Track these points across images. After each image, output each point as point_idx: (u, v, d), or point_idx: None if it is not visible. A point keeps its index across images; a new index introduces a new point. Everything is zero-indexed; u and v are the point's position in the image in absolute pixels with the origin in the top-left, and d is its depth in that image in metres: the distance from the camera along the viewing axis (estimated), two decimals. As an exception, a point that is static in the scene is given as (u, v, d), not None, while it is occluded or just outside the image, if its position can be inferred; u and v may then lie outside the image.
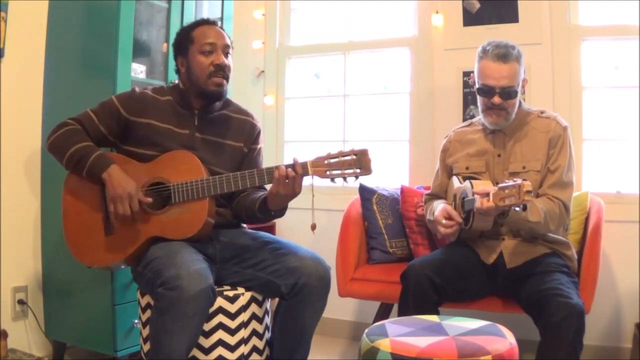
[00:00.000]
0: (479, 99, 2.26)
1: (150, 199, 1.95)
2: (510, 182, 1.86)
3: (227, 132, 2.13)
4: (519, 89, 2.20)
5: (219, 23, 2.14)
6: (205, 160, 2.02)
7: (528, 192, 1.80)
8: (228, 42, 2.08)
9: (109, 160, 1.97)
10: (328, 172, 1.86)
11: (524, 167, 2.21)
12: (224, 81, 2.06)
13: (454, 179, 2.33)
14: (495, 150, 2.28)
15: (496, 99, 2.17)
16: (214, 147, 2.10)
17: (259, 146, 2.22)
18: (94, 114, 2.05)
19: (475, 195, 2.04)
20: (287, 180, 1.86)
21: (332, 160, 1.86)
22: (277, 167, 1.88)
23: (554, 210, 2.13)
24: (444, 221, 2.18)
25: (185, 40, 2.06)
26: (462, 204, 2.19)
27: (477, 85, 2.23)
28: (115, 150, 2.11)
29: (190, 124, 2.08)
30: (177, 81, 2.16)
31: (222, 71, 2.04)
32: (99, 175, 1.94)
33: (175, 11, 2.67)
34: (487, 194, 1.96)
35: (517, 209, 1.88)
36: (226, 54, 2.07)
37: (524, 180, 1.83)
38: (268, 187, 1.97)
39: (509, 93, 2.16)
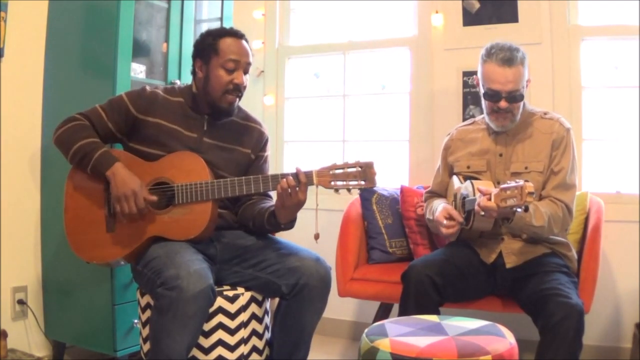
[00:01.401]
0: (484, 102, 2.25)
1: (155, 197, 1.95)
2: (513, 183, 1.86)
3: (236, 138, 2.13)
4: (524, 91, 2.20)
5: (245, 36, 2.09)
6: (211, 164, 2.02)
7: (530, 193, 1.80)
8: (250, 59, 2.07)
9: (113, 158, 1.96)
10: (332, 183, 1.87)
11: (526, 168, 2.21)
12: (237, 99, 2.07)
13: (454, 178, 2.33)
14: (497, 150, 2.28)
15: (502, 104, 2.15)
16: (221, 152, 2.09)
17: (266, 154, 2.22)
18: (102, 110, 2.04)
19: (477, 195, 2.04)
20: (289, 191, 1.86)
21: (337, 172, 1.87)
22: (281, 177, 1.88)
23: (557, 213, 2.13)
24: (445, 222, 2.18)
25: (209, 49, 2.02)
26: (463, 204, 2.19)
27: (482, 90, 2.22)
28: (122, 146, 2.11)
29: (199, 128, 2.08)
30: (179, 82, 2.15)
31: (239, 91, 2.05)
32: (103, 173, 1.94)
33: (175, 11, 2.66)
34: (489, 194, 1.96)
35: (519, 210, 1.88)
36: (246, 71, 2.06)
37: (526, 181, 1.83)
38: (273, 194, 1.96)
39: (514, 97, 2.15)
